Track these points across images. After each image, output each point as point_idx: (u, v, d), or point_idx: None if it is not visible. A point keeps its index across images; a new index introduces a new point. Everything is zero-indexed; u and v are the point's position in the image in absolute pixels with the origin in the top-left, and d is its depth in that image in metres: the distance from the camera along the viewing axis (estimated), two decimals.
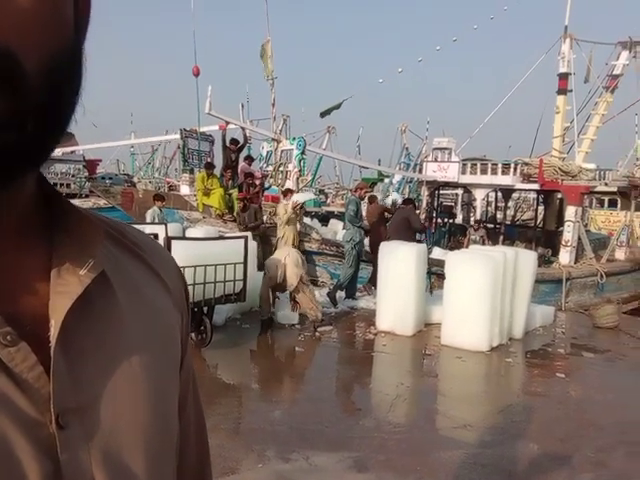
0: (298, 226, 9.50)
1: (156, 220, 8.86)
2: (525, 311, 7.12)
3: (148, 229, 6.72)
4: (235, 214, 10.47)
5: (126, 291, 0.50)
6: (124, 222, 0.60)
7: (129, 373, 0.46)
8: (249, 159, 12.67)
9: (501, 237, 14.65)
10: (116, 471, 0.43)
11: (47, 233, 0.46)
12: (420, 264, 7.06)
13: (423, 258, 7.18)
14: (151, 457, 0.47)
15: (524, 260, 7.08)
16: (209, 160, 12.92)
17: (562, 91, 14.87)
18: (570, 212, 11.68)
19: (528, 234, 15.40)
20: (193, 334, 5.74)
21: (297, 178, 11.60)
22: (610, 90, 14.64)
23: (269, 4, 12.10)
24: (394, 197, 14.64)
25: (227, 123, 12.01)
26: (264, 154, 17.02)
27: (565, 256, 11.53)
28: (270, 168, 13.87)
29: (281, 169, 12.13)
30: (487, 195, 15.20)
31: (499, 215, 18.75)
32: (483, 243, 12.14)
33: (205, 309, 5.94)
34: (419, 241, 8.67)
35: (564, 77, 14.76)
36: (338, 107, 17.42)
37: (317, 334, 6.77)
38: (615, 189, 13.17)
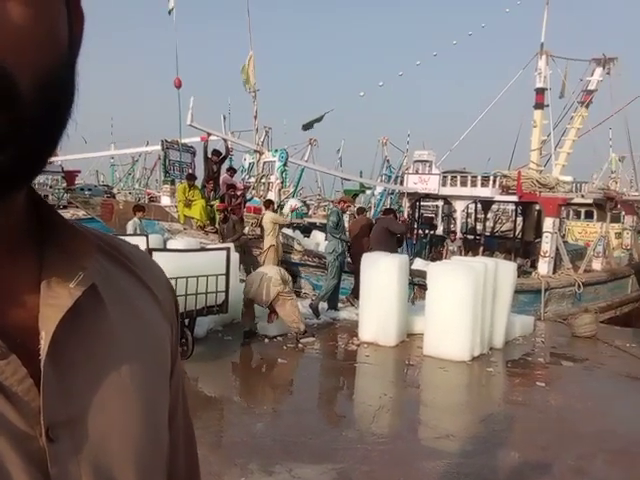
0: (280, 237, 9.55)
1: (137, 231, 8.77)
2: (505, 321, 7.19)
3: (129, 241, 6.63)
4: (217, 225, 10.44)
5: (116, 304, 0.50)
6: (119, 237, 0.61)
7: (119, 385, 0.47)
8: (231, 171, 12.66)
9: (481, 248, 14.84)
10: None
11: (37, 246, 0.46)
12: (402, 275, 7.10)
13: (405, 269, 7.23)
14: (142, 468, 0.47)
15: (504, 271, 7.18)
16: (190, 171, 12.88)
17: (539, 105, 15.26)
18: (548, 223, 11.89)
19: (507, 245, 15.63)
20: None
21: (279, 190, 11.62)
22: (585, 105, 15.06)
23: (252, 17, 12.17)
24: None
25: (209, 135, 12.01)
26: (246, 166, 17.02)
27: (543, 267, 11.72)
28: (252, 180, 13.87)
29: (263, 181, 12.14)
30: (467, 207, 15.40)
31: (479, 226, 19.00)
32: (460, 253, 12.29)
33: (187, 321, 5.88)
34: (400, 246, 8.72)
35: (541, 92, 15.15)
36: (320, 120, 17.56)
37: (300, 345, 6.74)
38: (591, 201, 13.48)
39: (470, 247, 14.99)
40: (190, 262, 5.89)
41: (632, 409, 5.21)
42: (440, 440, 4.28)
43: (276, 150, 12.25)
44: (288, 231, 10.95)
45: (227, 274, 6.08)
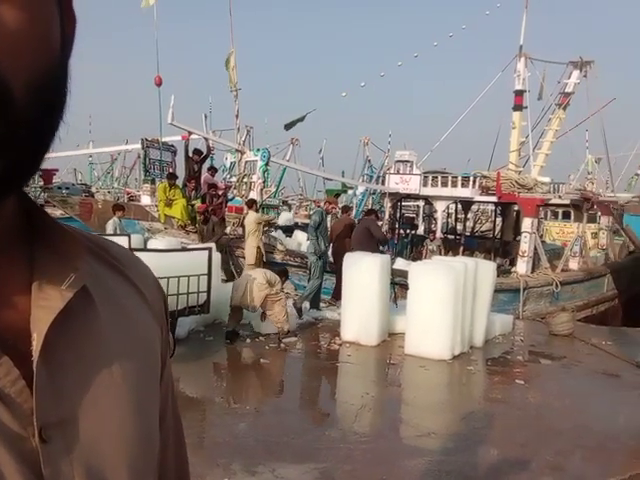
0: (263, 238, 9.53)
1: (117, 231, 8.66)
2: (485, 320, 7.29)
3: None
4: (197, 225, 10.37)
5: (107, 305, 0.50)
6: (107, 238, 0.60)
7: (111, 386, 0.47)
8: (212, 170, 12.60)
9: (461, 248, 14.99)
10: None
11: (28, 248, 0.46)
12: (384, 275, 7.14)
13: (386, 269, 7.27)
14: (133, 468, 0.47)
15: (484, 270, 7.27)
16: (171, 170, 12.78)
17: (518, 107, 15.47)
18: (526, 223, 12.06)
19: (487, 245, 15.80)
20: None
21: (261, 189, 11.58)
22: (562, 107, 15.32)
23: (234, 16, 12.09)
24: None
25: (190, 133, 11.93)
26: (227, 165, 16.95)
27: (522, 266, 11.88)
28: (234, 179, 13.82)
29: (245, 180, 12.09)
30: (447, 207, 15.53)
31: (459, 226, 19.18)
32: (440, 253, 12.39)
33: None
34: (382, 252, 8.77)
35: (519, 94, 15.37)
36: (302, 120, 17.56)
37: (282, 345, 6.74)
38: (568, 202, 13.70)
39: (450, 247, 15.13)
40: (171, 262, 5.84)
41: (608, 406, 5.33)
42: (422, 438, 4.32)
43: (258, 149, 12.21)
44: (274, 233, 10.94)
45: (209, 274, 6.04)
